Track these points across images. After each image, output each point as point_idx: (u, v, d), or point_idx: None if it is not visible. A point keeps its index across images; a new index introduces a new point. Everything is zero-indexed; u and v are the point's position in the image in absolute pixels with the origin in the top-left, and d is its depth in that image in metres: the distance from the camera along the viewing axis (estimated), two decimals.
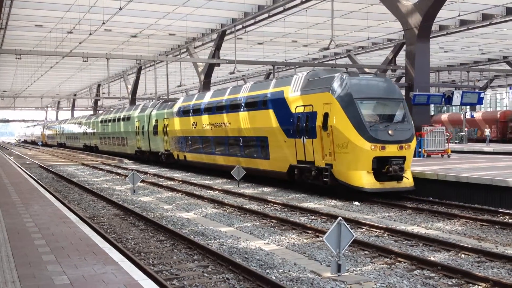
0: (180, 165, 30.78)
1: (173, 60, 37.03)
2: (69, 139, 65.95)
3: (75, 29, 31.04)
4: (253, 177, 23.01)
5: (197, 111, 26.95)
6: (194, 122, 27.14)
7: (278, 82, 20.62)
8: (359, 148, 16.33)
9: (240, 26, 31.79)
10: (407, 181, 16.78)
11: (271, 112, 20.16)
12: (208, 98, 26.34)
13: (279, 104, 19.64)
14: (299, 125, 18.32)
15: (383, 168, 16.44)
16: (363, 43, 39.42)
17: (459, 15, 28.16)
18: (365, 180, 16.37)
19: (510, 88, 51.23)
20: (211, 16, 30.91)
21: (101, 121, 48.02)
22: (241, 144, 22.56)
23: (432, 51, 30.77)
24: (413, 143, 17.17)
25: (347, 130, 16.50)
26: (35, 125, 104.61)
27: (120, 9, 23.62)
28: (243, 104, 22.42)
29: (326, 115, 17.07)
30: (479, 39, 38.38)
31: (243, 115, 22.32)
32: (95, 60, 43.04)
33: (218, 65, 35.46)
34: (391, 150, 16.55)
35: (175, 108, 30.02)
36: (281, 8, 27.71)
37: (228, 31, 33.34)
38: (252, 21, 30.58)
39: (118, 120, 42.47)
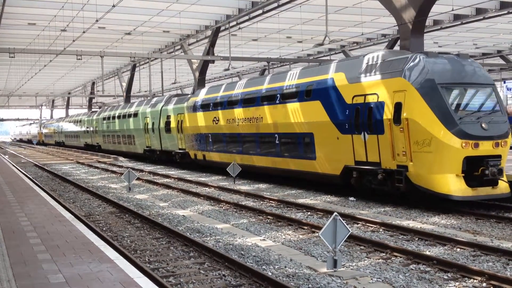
0: (198, 165, 28.13)
1: (167, 57, 36.88)
2: (68, 138, 62.81)
3: (69, 27, 30.87)
4: (249, 173, 22.91)
5: (220, 105, 23.99)
6: (215, 118, 24.27)
7: (326, 69, 17.60)
8: (446, 146, 13.41)
9: (234, 23, 31.68)
10: (503, 186, 13.84)
11: (318, 103, 17.21)
12: (233, 90, 23.46)
13: (329, 94, 16.76)
14: (358, 119, 15.41)
15: (476, 170, 13.58)
16: (357, 39, 39.37)
17: (452, 10, 28.14)
18: (454, 185, 13.36)
19: (504, 82, 51.36)
20: (205, 13, 30.76)
21: (105, 118, 44.82)
22: (277, 142, 19.68)
23: (426, 46, 30.78)
24: (510, 140, 14.26)
25: (429, 123, 13.56)
26: (31, 124, 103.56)
27: (114, 6, 23.49)
28: (279, 95, 19.54)
29: (398, 106, 14.16)
30: (473, 34, 38.39)
31: (279, 108, 19.42)
32: (89, 58, 42.82)
33: (213, 62, 35.32)
34: (486, 148, 13.59)
35: (192, 102, 27.15)
36: (275, 4, 27.61)
37: (222, 28, 33.23)
38: (246, 17, 30.47)
39: (124, 116, 39.32)
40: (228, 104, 23.31)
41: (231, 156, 23.28)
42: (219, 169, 24.83)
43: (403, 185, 14.21)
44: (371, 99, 15.10)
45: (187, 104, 27.90)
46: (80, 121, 54.97)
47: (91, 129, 49.87)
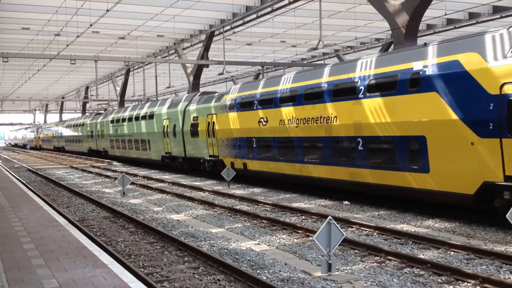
0: (236, 175, 22.59)
1: (161, 62, 36.91)
2: (69, 143, 58.41)
3: (63, 31, 30.87)
4: (243, 177, 22.81)
5: (268, 103, 19.79)
6: (262, 118, 20.07)
7: (444, 48, 13.14)
8: None
9: (228, 27, 31.77)
10: None
11: (433, 96, 12.91)
12: (288, 83, 19.14)
13: (454, 83, 12.48)
14: None
15: None
16: (351, 43, 39.55)
17: (445, 14, 28.36)
18: None
19: None
20: (199, 17, 30.84)
21: (113, 121, 40.27)
22: (360, 149, 15.34)
23: None
24: None
25: None
26: (27, 128, 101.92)
27: (108, 11, 23.50)
28: (363, 87, 15.26)
29: None
30: None
31: (365, 104, 15.07)
32: (83, 63, 42.81)
33: (207, 66, 35.42)
34: None
35: (228, 100, 22.77)
36: (269, 9, 27.73)
37: (216, 32, 33.32)
38: (241, 21, 30.57)
39: (137, 118, 34.72)
40: (281, 101, 19.12)
41: (285, 166, 19.14)
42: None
43: None
44: None
45: (220, 102, 23.54)
46: (83, 124, 50.46)
47: (97, 133, 45.48)
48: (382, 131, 14.58)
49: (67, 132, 58.88)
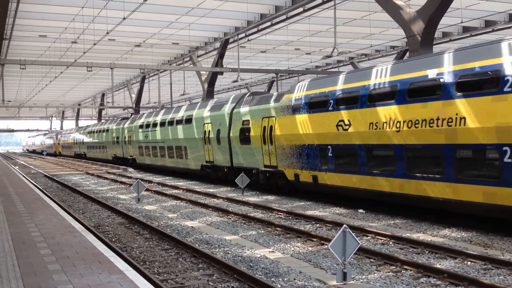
0: (297, 191, 20.58)
1: (176, 69, 37.10)
2: (91, 149, 55.47)
3: (79, 39, 31.21)
4: (257, 184, 22.78)
5: (352, 101, 16.19)
6: (343, 121, 16.46)
7: None
8: None
9: (243, 35, 31.88)
10: None
11: None
12: (382, 76, 15.38)
13: None
14: None
15: None
16: (366, 51, 39.46)
17: (462, 22, 28.20)
18: None
19: None
20: (214, 25, 31.02)
21: (142, 126, 37.09)
22: (508, 161, 11.57)
23: None
24: None
25: None
26: (45, 134, 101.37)
27: (124, 18, 23.74)
28: (511, 77, 11.48)
29: None
30: None
31: None
32: (99, 70, 43.19)
33: (222, 73, 35.53)
34: None
35: (291, 101, 19.37)
36: (284, 17, 27.78)
37: (231, 40, 33.46)
38: (255, 29, 30.67)
39: (171, 123, 31.29)
40: (371, 99, 15.52)
41: (376, 181, 15.40)
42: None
43: None
44: None
45: (281, 103, 20.08)
46: (108, 129, 47.20)
47: (123, 139, 42.24)
48: None
49: (90, 138, 55.54)
